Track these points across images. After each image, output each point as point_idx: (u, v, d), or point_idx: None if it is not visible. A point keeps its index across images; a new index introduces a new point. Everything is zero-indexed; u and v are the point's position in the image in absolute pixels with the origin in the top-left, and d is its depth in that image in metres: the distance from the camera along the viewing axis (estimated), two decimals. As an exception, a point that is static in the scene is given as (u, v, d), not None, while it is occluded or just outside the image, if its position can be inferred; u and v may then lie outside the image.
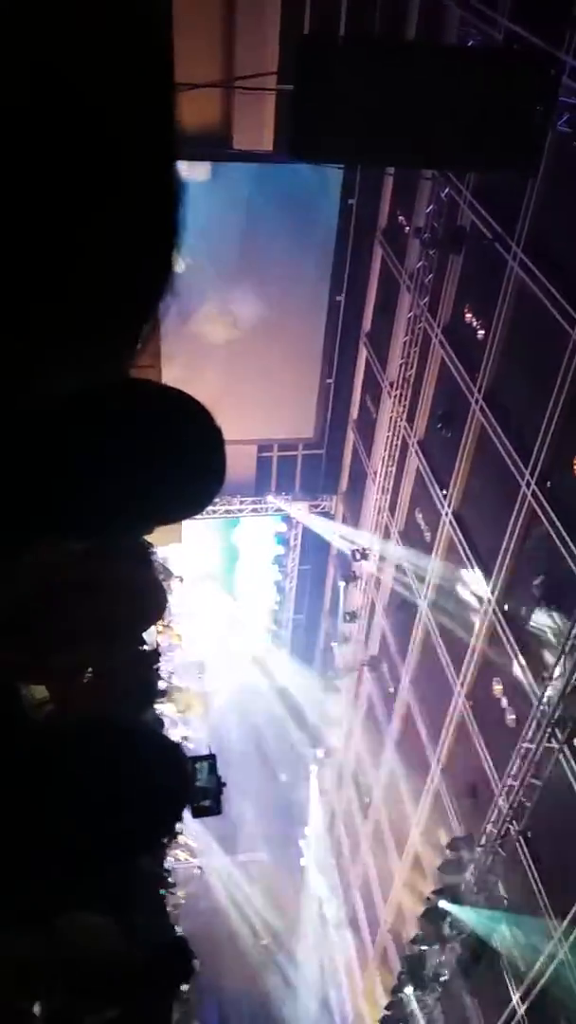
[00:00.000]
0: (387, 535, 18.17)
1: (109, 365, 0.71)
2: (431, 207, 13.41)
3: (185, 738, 13.43)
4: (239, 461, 19.78)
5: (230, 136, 14.36)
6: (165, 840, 12.54)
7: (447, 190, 12.89)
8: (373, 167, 14.85)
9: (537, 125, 8.83)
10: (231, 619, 24.54)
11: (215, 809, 11.33)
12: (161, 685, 12.32)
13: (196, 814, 11.43)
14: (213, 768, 11.40)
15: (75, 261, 0.58)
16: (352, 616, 21.46)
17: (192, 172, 14.39)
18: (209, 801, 11.22)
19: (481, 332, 12.63)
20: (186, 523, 17.00)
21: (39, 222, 0.55)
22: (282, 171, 15.29)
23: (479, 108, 8.53)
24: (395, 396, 16.43)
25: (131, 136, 0.58)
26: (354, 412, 19.90)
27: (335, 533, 21.10)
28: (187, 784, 1.31)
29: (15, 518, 0.88)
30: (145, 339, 0.71)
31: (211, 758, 11.57)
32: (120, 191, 0.59)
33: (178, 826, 15.81)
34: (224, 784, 11.67)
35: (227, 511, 20.30)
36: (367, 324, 18.32)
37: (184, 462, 0.94)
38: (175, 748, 1.30)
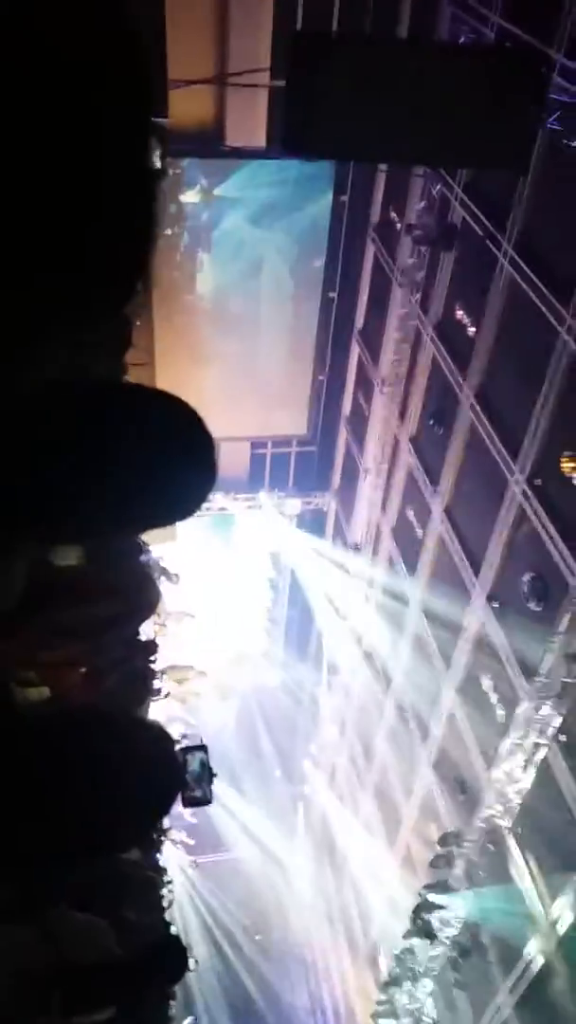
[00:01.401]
0: (379, 532, 18.21)
1: (95, 339, 0.74)
2: (422, 204, 13.43)
3: (184, 735, 13.50)
4: (232, 458, 19.77)
5: (223, 133, 14.35)
6: (158, 835, 12.57)
7: (439, 187, 12.91)
8: (365, 163, 14.87)
9: (528, 123, 8.86)
10: (225, 617, 24.55)
11: (206, 799, 11.37)
12: (156, 684, 12.33)
13: (187, 804, 11.49)
14: (205, 759, 11.44)
15: (57, 233, 0.62)
16: (345, 613, 21.49)
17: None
18: (200, 791, 11.26)
19: (472, 330, 12.67)
20: (181, 523, 16.97)
21: (25, 198, 0.59)
22: (275, 167, 15.29)
23: (470, 105, 8.55)
24: (387, 393, 16.46)
25: (111, 118, 0.62)
26: (347, 409, 19.91)
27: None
28: (178, 773, 1.33)
29: (3, 521, 0.89)
30: (130, 312, 0.73)
31: (202, 748, 11.61)
32: (102, 168, 0.62)
33: (171, 822, 15.84)
34: (215, 775, 11.71)
35: (220, 508, 20.29)
36: (359, 321, 18.32)
37: (173, 468, 0.95)
38: (165, 737, 1.31)
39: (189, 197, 15.50)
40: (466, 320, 12.93)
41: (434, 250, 13.40)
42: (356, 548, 19.78)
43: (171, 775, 1.25)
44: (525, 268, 10.68)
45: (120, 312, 0.71)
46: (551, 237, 10.34)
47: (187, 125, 13.68)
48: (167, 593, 17.17)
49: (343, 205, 16.49)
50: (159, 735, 1.28)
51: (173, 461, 0.94)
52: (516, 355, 11.49)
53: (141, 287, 0.71)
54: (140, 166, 0.68)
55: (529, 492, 11.01)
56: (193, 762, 11.24)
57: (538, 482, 10.92)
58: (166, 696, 14.86)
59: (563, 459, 10.23)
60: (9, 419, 0.80)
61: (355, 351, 18.70)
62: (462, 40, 10.79)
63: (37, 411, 0.83)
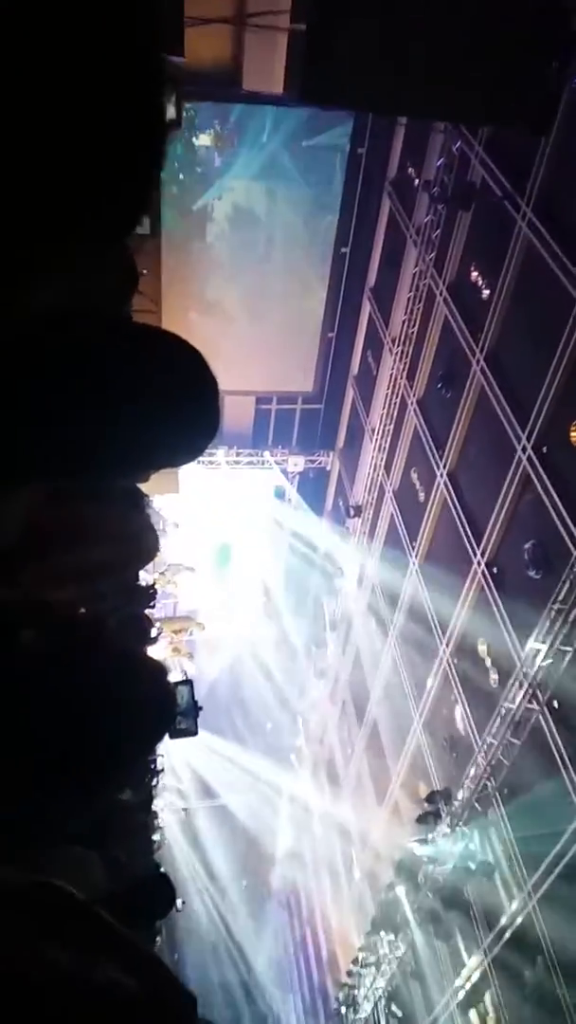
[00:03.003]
0: (382, 493, 18.21)
1: (96, 270, 0.73)
2: (442, 160, 13.15)
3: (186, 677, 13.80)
4: (237, 412, 19.69)
5: (240, 76, 13.98)
6: (150, 777, 12.82)
7: (459, 144, 12.63)
8: (384, 116, 14.52)
9: (552, 82, 8.63)
10: (224, 572, 24.72)
11: (192, 731, 11.61)
12: (152, 632, 12.47)
13: (174, 735, 11.71)
14: (191, 693, 11.66)
15: (58, 162, 0.61)
16: (343, 571, 21.63)
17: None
18: (186, 724, 11.51)
19: (486, 292, 12.50)
20: (183, 474, 17.01)
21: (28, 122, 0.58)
22: (291, 115, 14.95)
23: (494, 60, 8.32)
24: (397, 353, 16.31)
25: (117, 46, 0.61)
26: (355, 367, 19.75)
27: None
28: (172, 699, 1.35)
29: (4, 459, 0.89)
30: (137, 258, 0.73)
31: (188, 683, 11.84)
32: (107, 94, 0.61)
33: (163, 764, 16.15)
34: (201, 708, 11.94)
35: (224, 462, 20.27)
36: (372, 278, 18.08)
37: (177, 406, 0.94)
38: (158, 666, 1.33)
39: (202, 141, 15.18)
40: (480, 282, 12.76)
41: (451, 208, 13.15)
42: (356, 510, 19.80)
43: (167, 700, 1.28)
44: (543, 231, 10.50)
45: (120, 241, 0.70)
46: (570, 201, 10.15)
47: (203, 66, 13.33)
48: (168, 544, 17.28)
49: (360, 157, 16.14)
50: (152, 664, 1.30)
51: (176, 400, 0.94)
52: (530, 320, 11.35)
53: (141, 216, 0.70)
54: (147, 98, 0.66)
55: (536, 460, 10.98)
56: (180, 696, 11.46)
57: (545, 450, 10.88)
58: (162, 640, 15.04)
59: (572, 428, 10.17)
60: (10, 355, 0.80)
61: (366, 308, 18.48)
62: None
63: (40, 347, 0.82)
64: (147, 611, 9.77)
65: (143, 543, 1.78)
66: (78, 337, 0.83)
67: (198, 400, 0.96)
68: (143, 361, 0.93)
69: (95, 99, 0.60)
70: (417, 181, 14.68)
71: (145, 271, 12.01)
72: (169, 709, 1.26)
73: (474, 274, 13.03)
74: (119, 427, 0.90)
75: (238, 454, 20.38)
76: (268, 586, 26.16)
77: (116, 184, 0.66)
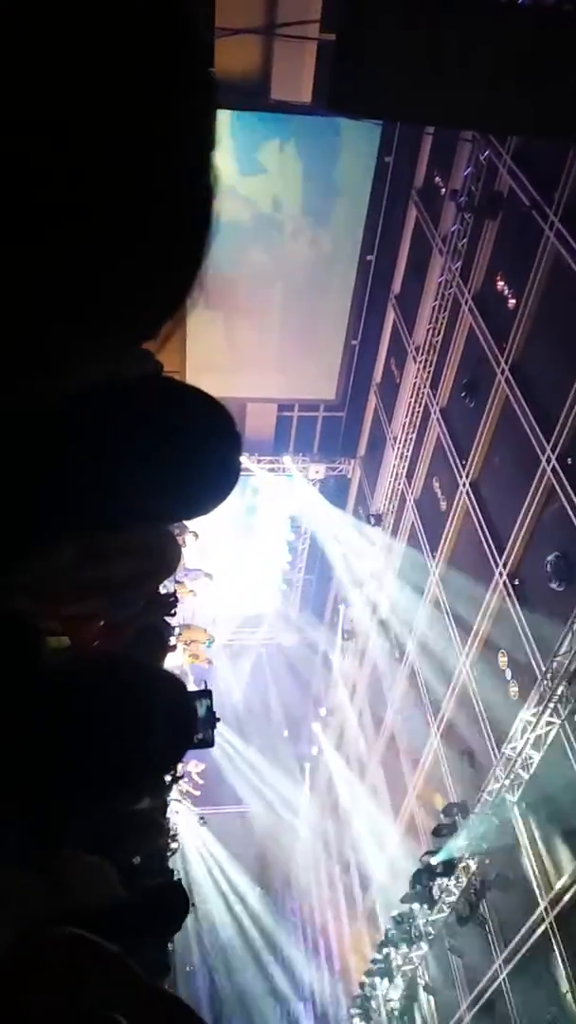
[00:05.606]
0: (403, 502, 18.15)
1: (128, 356, 0.70)
2: (469, 170, 13.12)
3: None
4: (259, 420, 19.70)
5: (268, 85, 14.03)
6: (167, 783, 12.85)
7: (487, 153, 12.59)
8: (412, 124, 14.50)
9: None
10: (242, 576, 24.70)
11: (209, 742, 11.59)
12: (171, 641, 12.46)
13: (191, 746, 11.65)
14: (209, 704, 11.63)
15: (103, 256, 0.56)
16: (361, 582, 21.54)
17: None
18: (204, 735, 11.48)
19: (512, 301, 12.43)
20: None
21: (72, 218, 0.53)
22: (319, 124, 14.97)
23: (525, 69, 8.26)
24: (420, 361, 16.26)
25: (166, 134, 0.56)
26: (378, 375, 19.71)
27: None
28: (194, 718, 1.35)
29: (24, 519, 0.88)
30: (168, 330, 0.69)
31: (207, 694, 11.79)
32: (154, 189, 0.56)
33: (180, 771, 16.18)
34: (218, 719, 11.92)
35: (243, 470, 20.24)
36: (397, 286, 18.05)
37: (198, 466, 0.93)
38: (180, 683, 1.34)
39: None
40: (507, 291, 12.69)
41: (478, 218, 13.11)
42: (377, 519, 19.74)
43: (188, 720, 1.28)
44: (571, 241, 10.43)
45: (156, 332, 0.66)
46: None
47: (232, 75, 13.40)
48: (187, 551, 17.30)
49: (387, 166, 16.13)
50: (175, 681, 1.31)
51: (198, 458, 0.92)
52: (556, 330, 11.27)
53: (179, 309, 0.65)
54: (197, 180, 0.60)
55: (560, 470, 10.89)
56: (199, 707, 11.43)
57: (570, 460, 10.79)
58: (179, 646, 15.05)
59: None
60: (41, 418, 0.77)
61: (390, 317, 18.44)
62: (521, 1, 10.40)
63: (67, 411, 0.80)
64: (167, 619, 9.77)
65: (165, 555, 1.77)
66: (98, 396, 0.80)
67: (221, 461, 0.95)
68: (168, 420, 0.91)
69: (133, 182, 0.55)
70: (444, 190, 14.64)
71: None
72: (187, 728, 1.26)
73: (500, 283, 12.97)
74: (140, 484, 0.89)
75: (259, 461, 20.39)
76: (286, 592, 26.12)
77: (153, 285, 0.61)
